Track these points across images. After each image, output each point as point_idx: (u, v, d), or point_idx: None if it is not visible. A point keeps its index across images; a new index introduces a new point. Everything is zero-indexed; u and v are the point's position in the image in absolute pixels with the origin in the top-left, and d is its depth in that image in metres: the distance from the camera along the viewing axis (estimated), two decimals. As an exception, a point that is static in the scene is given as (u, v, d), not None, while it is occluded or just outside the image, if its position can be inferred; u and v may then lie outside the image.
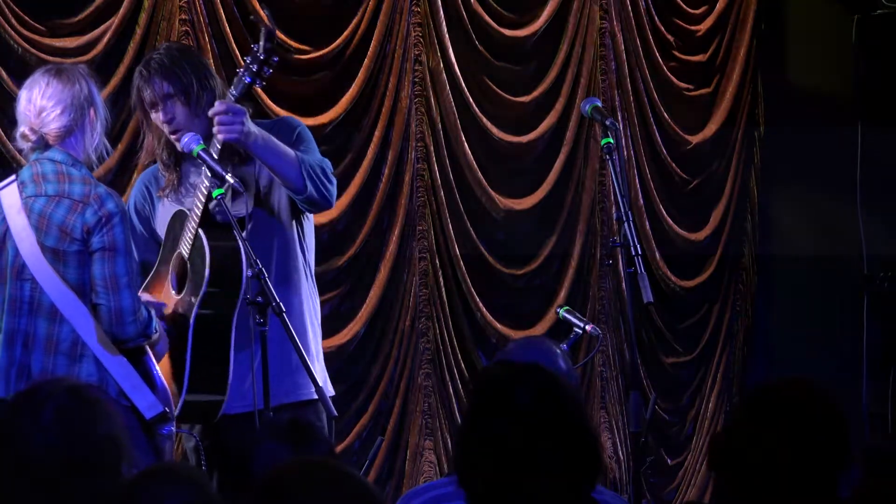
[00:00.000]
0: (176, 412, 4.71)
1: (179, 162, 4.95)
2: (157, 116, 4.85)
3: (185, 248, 4.79)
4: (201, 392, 4.77)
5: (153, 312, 4.66)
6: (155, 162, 5.02)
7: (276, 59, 4.77)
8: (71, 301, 4.53)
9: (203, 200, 4.71)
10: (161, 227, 4.98)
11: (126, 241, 4.58)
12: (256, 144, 4.75)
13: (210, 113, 4.72)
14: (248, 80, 4.73)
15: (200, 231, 4.73)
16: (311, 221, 5.05)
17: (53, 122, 4.60)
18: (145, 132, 4.97)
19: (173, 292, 4.85)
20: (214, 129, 4.70)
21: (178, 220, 4.86)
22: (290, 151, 4.82)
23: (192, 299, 4.77)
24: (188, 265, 4.78)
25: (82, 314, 4.53)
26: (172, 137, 4.84)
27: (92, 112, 4.65)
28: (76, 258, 4.55)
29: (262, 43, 4.71)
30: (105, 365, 4.53)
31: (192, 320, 4.76)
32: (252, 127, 4.73)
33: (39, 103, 4.61)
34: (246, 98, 5.45)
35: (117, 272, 4.54)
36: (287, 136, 4.90)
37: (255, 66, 4.72)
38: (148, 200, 5.02)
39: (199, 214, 4.72)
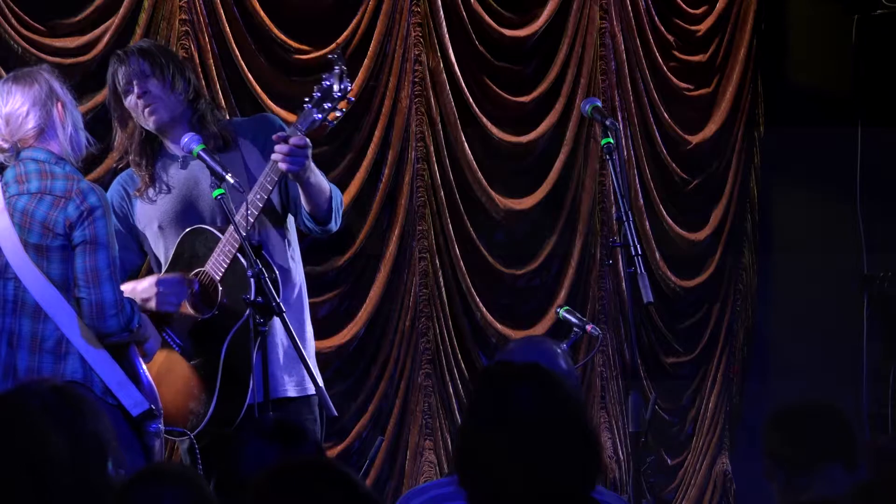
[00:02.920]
0: (204, 422, 4.75)
1: (151, 161, 4.97)
2: (131, 98, 4.87)
3: (214, 270, 4.78)
4: (224, 402, 4.78)
5: (136, 306, 4.66)
6: (127, 166, 5.03)
7: (352, 98, 4.65)
8: (54, 298, 4.53)
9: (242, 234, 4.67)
10: (140, 224, 5.01)
11: (108, 235, 4.58)
12: (309, 181, 4.74)
13: (291, 141, 4.61)
14: (319, 117, 4.62)
15: (239, 256, 4.68)
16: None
17: (23, 127, 4.61)
18: (116, 129, 4.99)
19: (190, 309, 4.85)
20: (276, 157, 4.61)
21: (198, 236, 4.84)
22: (327, 186, 4.82)
23: (227, 322, 4.74)
24: (219, 287, 4.77)
25: (65, 311, 4.54)
26: (146, 111, 4.85)
27: (59, 107, 4.65)
28: (59, 253, 4.56)
29: (337, 83, 4.56)
30: (89, 362, 4.52)
31: (226, 341, 4.75)
32: (310, 163, 4.69)
33: (5, 112, 4.63)
34: (247, 100, 5.44)
35: (99, 265, 4.54)
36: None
37: (330, 104, 4.60)
38: (126, 199, 5.03)
39: (239, 241, 4.64)
